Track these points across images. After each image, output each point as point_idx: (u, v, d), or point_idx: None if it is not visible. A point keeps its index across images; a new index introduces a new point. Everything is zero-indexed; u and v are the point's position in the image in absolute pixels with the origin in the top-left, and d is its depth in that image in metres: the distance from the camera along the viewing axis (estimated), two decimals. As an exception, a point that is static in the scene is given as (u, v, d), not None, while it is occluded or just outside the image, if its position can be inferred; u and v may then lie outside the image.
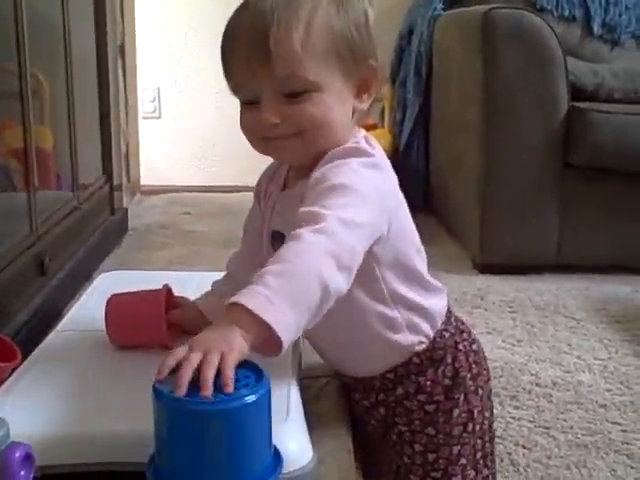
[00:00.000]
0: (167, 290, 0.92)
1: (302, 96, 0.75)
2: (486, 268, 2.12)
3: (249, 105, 0.78)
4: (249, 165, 3.13)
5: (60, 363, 0.88)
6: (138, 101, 2.76)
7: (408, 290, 0.83)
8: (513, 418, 1.34)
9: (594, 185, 2.08)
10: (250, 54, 0.74)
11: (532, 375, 1.52)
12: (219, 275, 0.97)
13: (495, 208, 2.10)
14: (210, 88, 3.00)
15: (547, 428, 1.33)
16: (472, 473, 0.87)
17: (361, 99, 0.80)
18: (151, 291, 0.91)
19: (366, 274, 0.76)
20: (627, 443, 1.28)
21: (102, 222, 1.84)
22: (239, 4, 0.79)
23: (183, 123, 3.04)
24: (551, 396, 1.44)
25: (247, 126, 0.80)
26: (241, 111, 0.80)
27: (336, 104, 0.77)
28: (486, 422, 0.89)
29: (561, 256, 2.12)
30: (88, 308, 1.04)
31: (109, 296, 0.92)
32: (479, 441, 0.87)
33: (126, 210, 2.16)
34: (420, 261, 0.85)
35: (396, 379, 0.85)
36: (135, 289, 0.93)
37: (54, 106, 1.57)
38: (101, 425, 0.73)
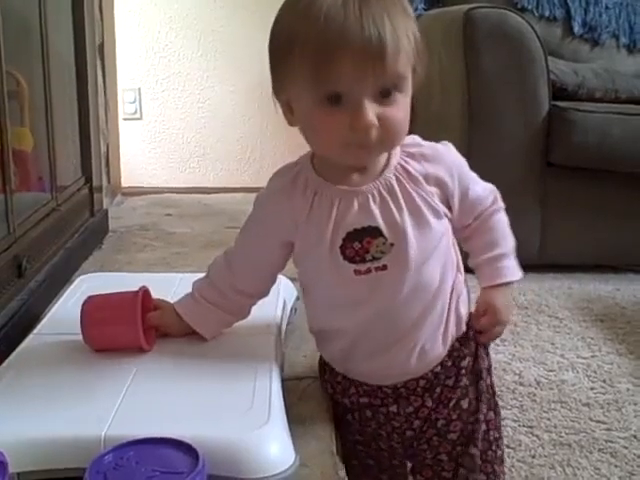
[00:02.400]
0: (144, 292, 0.90)
1: (395, 96, 0.76)
2: (467, 268, 2.11)
3: (335, 105, 0.75)
4: (231, 166, 3.14)
5: (37, 367, 0.87)
6: (118, 102, 2.74)
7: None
8: (497, 418, 1.34)
9: (576, 184, 2.09)
10: (365, 51, 0.72)
11: (516, 374, 1.52)
12: (200, 276, 0.96)
13: (478, 208, 2.10)
14: (192, 89, 2.98)
15: (531, 427, 1.32)
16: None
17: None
18: (127, 293, 0.89)
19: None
20: (611, 442, 1.29)
21: (82, 224, 1.81)
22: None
23: (164, 124, 3.01)
24: (535, 395, 1.44)
25: (330, 130, 0.76)
26: (317, 115, 0.76)
27: (409, 105, 0.80)
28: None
29: (543, 255, 2.12)
30: (66, 311, 1.02)
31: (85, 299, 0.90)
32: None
33: (106, 211, 2.13)
34: None
35: (441, 372, 0.87)
36: (114, 291, 0.91)
37: (33, 107, 1.54)
38: (77, 430, 0.71)
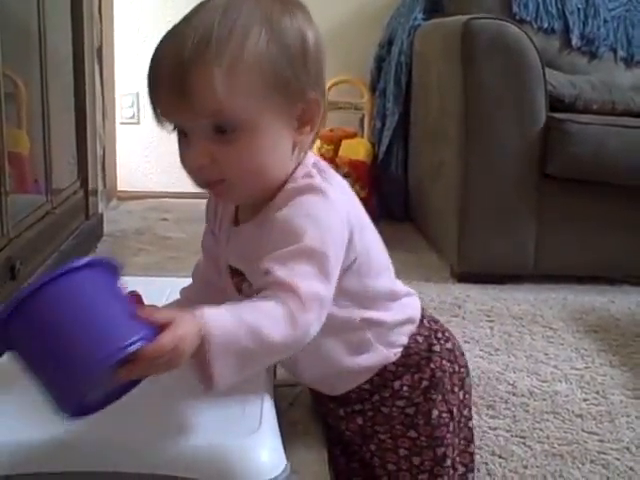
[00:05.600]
0: (133, 297, 0.89)
1: (233, 134, 0.70)
2: (464, 277, 2.12)
3: (181, 143, 0.74)
4: (228, 172, 3.13)
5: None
6: (116, 106, 2.74)
7: (378, 312, 0.82)
8: (489, 428, 1.34)
9: (572, 195, 2.09)
10: (171, 88, 0.69)
11: (509, 384, 1.51)
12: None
13: (473, 217, 2.10)
14: (189, 94, 2.98)
15: (523, 438, 1.32)
16: (453, 471, 0.86)
17: (302, 131, 0.75)
18: None
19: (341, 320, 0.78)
20: (603, 453, 1.28)
21: (76, 227, 1.82)
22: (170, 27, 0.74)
23: (162, 129, 3.01)
24: (527, 406, 1.43)
25: (183, 167, 0.75)
26: (178, 142, 0.76)
27: (270, 144, 0.72)
28: (463, 420, 0.88)
29: (538, 266, 2.12)
30: (59, 313, 1.01)
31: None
32: (456, 440, 0.87)
33: (101, 215, 2.13)
34: (390, 277, 0.85)
35: (372, 388, 0.84)
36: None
37: (30, 109, 1.54)
38: (67, 434, 0.71)
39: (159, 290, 1.03)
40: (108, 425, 0.72)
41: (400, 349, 0.84)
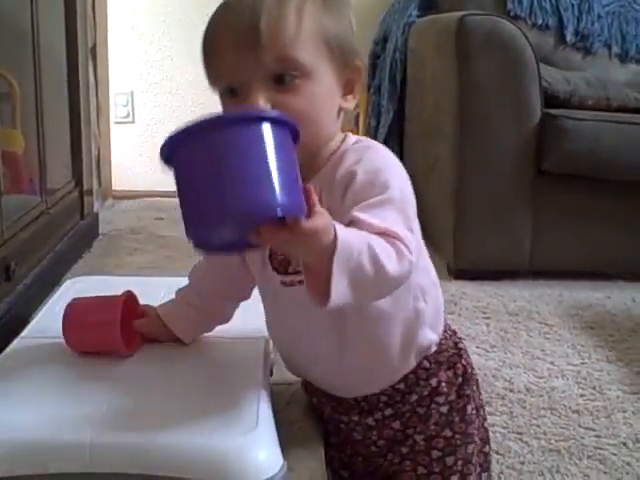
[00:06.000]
0: (128, 297, 0.89)
1: (292, 82, 0.72)
2: (460, 274, 2.12)
3: (233, 98, 0.74)
4: (223, 170, 3.12)
5: (24, 370, 0.86)
6: (111, 105, 2.73)
7: (428, 283, 0.83)
8: (487, 424, 1.34)
9: (567, 191, 2.10)
10: (239, 37, 0.71)
11: (506, 381, 1.51)
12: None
13: (469, 214, 2.10)
14: (185, 93, 2.97)
15: (520, 434, 1.32)
16: (475, 469, 0.86)
17: (346, 99, 0.78)
18: (110, 297, 0.89)
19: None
20: (600, 448, 1.28)
21: (71, 227, 1.81)
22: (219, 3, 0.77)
23: (157, 128, 3.01)
24: (524, 402, 1.44)
25: None
26: (224, 107, 0.76)
27: (325, 94, 0.75)
28: (480, 419, 0.89)
29: (534, 262, 2.13)
30: (54, 314, 1.01)
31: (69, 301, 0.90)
32: (478, 440, 0.87)
33: (96, 215, 2.13)
34: (427, 256, 0.86)
35: (406, 388, 0.83)
36: (101, 295, 0.91)
37: (24, 109, 1.54)
38: (63, 435, 0.71)
39: (155, 289, 1.03)
40: (105, 426, 0.72)
41: (437, 339, 0.84)
